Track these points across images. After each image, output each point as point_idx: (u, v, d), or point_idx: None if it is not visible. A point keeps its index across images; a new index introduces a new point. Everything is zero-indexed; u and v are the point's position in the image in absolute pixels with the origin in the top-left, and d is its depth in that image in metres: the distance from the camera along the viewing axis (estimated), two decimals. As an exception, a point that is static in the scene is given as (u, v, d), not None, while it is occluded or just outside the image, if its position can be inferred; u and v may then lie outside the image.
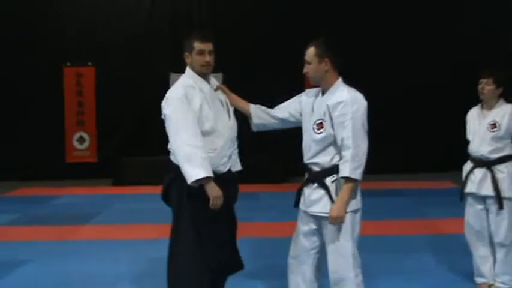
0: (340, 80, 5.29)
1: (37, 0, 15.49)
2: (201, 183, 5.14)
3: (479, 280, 6.83)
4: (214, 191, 5.21)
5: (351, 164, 5.02)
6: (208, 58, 5.45)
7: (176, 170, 5.28)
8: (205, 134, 5.29)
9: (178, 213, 5.42)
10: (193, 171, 5.12)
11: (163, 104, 5.36)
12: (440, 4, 15.43)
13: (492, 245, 6.75)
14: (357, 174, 5.04)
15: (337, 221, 5.10)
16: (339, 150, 5.14)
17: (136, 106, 15.43)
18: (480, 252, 6.80)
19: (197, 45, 5.44)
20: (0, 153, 15.34)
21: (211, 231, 5.40)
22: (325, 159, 5.20)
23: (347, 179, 5.04)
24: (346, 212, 5.09)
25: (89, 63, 15.59)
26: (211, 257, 5.40)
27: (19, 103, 15.24)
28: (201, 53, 5.43)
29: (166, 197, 5.55)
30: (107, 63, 15.47)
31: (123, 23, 15.54)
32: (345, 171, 5.03)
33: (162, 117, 5.41)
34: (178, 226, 5.41)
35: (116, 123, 15.62)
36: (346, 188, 5.07)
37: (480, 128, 6.73)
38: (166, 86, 5.62)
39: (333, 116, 5.11)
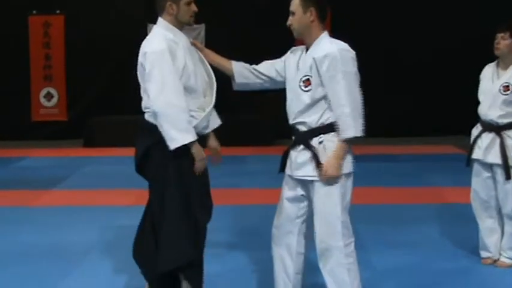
0: (325, 33, 5.26)
1: None
2: (186, 146, 5.16)
3: (484, 254, 6.84)
4: (199, 154, 5.25)
5: (353, 122, 5.03)
6: (196, 8, 5.42)
7: (156, 132, 5.23)
8: (189, 92, 5.27)
9: (161, 179, 5.35)
10: (180, 135, 5.13)
11: (142, 59, 5.28)
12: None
13: (500, 217, 6.76)
14: (361, 132, 5.05)
15: (330, 180, 5.10)
16: (327, 107, 5.12)
17: (110, 59, 15.31)
18: (486, 224, 6.80)
19: None
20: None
21: (199, 188, 5.42)
22: (312, 118, 5.17)
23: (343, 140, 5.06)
24: (339, 170, 5.07)
25: (58, 11, 15.46)
26: (202, 214, 5.45)
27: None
28: (190, 2, 5.38)
29: (142, 165, 5.48)
30: (78, 12, 15.35)
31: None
32: (348, 131, 5.02)
33: (138, 73, 5.36)
34: (164, 193, 5.35)
35: (88, 78, 15.52)
36: (343, 145, 5.07)
37: (492, 88, 6.67)
38: (143, 38, 5.54)
39: (320, 71, 5.08)
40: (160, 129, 5.19)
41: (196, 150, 5.24)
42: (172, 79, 5.18)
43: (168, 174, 5.34)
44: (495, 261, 6.77)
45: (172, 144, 5.13)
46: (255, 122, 14.52)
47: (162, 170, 5.35)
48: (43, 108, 15.67)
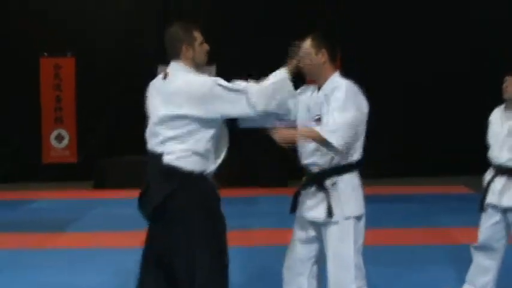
0: (337, 72, 5.35)
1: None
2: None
3: (468, 286, 6.89)
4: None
5: (330, 126, 5.06)
6: (207, 46, 5.46)
7: (184, 177, 5.14)
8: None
9: (187, 227, 5.19)
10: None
11: (176, 91, 5.23)
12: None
13: (499, 261, 6.76)
14: (332, 137, 5.03)
15: (282, 138, 5.20)
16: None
17: (120, 101, 15.36)
18: (484, 263, 6.81)
19: (198, 35, 5.40)
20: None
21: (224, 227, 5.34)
22: (324, 158, 5.21)
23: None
24: (296, 137, 5.19)
25: (69, 54, 15.54)
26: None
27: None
28: (203, 42, 5.42)
29: (160, 211, 5.24)
30: (88, 54, 15.45)
31: (106, 9, 15.50)
32: (332, 135, 5.05)
33: (164, 113, 5.26)
34: (203, 239, 5.17)
35: (98, 120, 15.60)
36: (315, 132, 5.10)
37: (501, 132, 6.69)
38: (152, 79, 5.55)
39: (330, 103, 5.14)
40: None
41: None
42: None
43: (196, 222, 5.18)
44: None
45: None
46: (268, 162, 14.48)
47: (193, 214, 5.20)
48: (54, 150, 15.69)
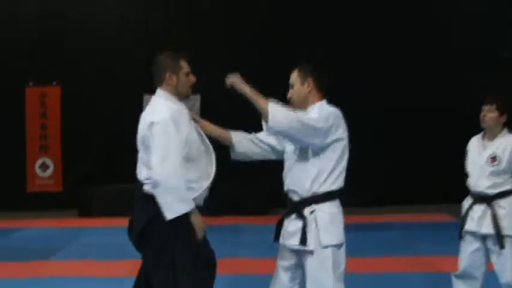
0: (324, 101, 5.40)
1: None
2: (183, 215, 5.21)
3: None
4: (199, 222, 5.31)
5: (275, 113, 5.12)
6: (194, 78, 5.56)
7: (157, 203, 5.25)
8: (190, 161, 5.33)
9: (167, 249, 5.31)
10: (178, 205, 5.20)
11: (145, 130, 5.33)
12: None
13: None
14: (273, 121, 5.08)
15: (229, 82, 5.37)
16: (324, 177, 5.23)
17: (106, 130, 15.39)
18: None
19: (185, 65, 5.51)
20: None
21: (207, 253, 5.46)
22: (304, 186, 5.26)
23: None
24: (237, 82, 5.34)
25: (54, 83, 15.57)
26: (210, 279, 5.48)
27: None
28: (189, 73, 5.52)
29: (142, 238, 5.41)
30: (74, 83, 15.46)
31: (92, 38, 15.54)
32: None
33: (140, 144, 5.43)
34: (178, 263, 5.30)
35: (83, 148, 15.60)
36: (262, 101, 5.20)
37: (479, 160, 6.77)
38: (138, 108, 5.64)
39: None
40: (158, 198, 5.20)
41: (195, 219, 5.27)
42: (175, 150, 5.22)
43: (175, 244, 5.30)
44: None
45: (169, 214, 5.16)
46: (252, 191, 14.52)
47: (168, 240, 5.30)
48: (38, 179, 15.68)
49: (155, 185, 5.22)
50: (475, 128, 7.04)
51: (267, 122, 5.13)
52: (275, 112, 5.08)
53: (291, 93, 5.42)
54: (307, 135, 5.15)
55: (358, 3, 15.56)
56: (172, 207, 5.18)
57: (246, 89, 5.28)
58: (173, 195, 5.18)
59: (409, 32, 15.52)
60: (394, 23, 15.47)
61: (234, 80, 5.34)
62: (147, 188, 5.37)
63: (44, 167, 15.67)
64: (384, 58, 15.31)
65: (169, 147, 5.21)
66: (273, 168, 6.00)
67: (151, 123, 5.28)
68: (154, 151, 5.23)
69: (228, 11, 15.70)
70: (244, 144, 5.70)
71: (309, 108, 5.35)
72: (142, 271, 5.61)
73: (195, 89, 5.72)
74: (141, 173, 5.45)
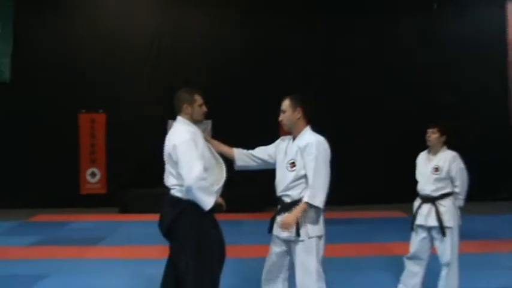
0: (308, 127, 5.39)
1: (57, 59, 15.41)
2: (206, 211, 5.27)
3: (401, 287, 7.01)
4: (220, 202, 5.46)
5: (310, 192, 5.13)
6: (206, 109, 5.56)
7: (181, 204, 5.31)
8: (206, 170, 5.32)
9: (190, 233, 5.35)
10: (210, 198, 5.26)
11: (171, 149, 5.34)
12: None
13: (425, 267, 6.90)
14: (315, 201, 5.11)
15: (285, 227, 5.18)
16: (307, 184, 5.19)
17: (139, 146, 15.33)
18: (413, 269, 6.92)
19: (198, 98, 5.53)
20: (27, 185, 15.21)
21: (217, 242, 5.49)
22: (295, 192, 5.27)
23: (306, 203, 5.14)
24: (294, 223, 5.17)
25: (101, 110, 15.55)
26: (217, 266, 5.49)
27: (44, 143, 15.14)
28: (202, 104, 5.52)
29: (170, 230, 5.46)
30: (116, 110, 15.46)
31: (129, 77, 15.53)
32: (305, 197, 5.13)
33: (167, 159, 5.41)
34: (194, 249, 5.34)
35: (123, 160, 15.56)
36: (302, 206, 5.15)
37: (426, 170, 6.86)
38: (164, 130, 5.63)
39: (304, 156, 5.19)
40: (195, 198, 5.24)
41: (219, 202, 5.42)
42: (197, 160, 5.24)
43: (193, 235, 5.34)
44: None
45: (207, 206, 5.24)
46: (249, 193, 14.44)
47: (189, 232, 5.34)
48: (88, 184, 15.64)
49: (188, 190, 5.24)
50: (418, 147, 7.16)
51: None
52: (314, 199, 5.18)
53: (282, 117, 5.42)
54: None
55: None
56: (205, 201, 5.24)
57: (298, 214, 5.22)
58: (204, 192, 5.22)
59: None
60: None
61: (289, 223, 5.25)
62: (173, 192, 5.40)
63: (93, 175, 15.63)
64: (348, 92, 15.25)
65: (192, 160, 5.22)
66: (264, 176, 6.03)
67: (175, 145, 5.31)
68: (182, 166, 5.25)
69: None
70: (244, 159, 5.72)
71: (300, 134, 5.36)
72: (172, 255, 5.61)
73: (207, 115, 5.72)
74: (168, 180, 5.47)
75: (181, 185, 5.31)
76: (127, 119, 15.40)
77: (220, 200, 5.64)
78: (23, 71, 15.22)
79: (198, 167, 5.20)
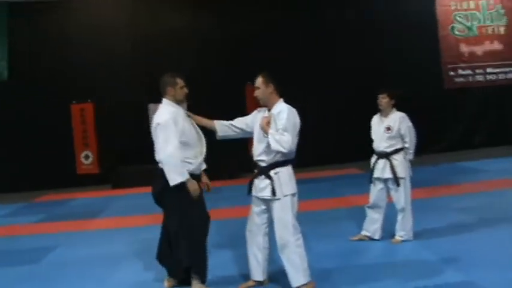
0: (281, 100, 5.39)
1: (51, 57, 15.18)
2: (181, 183, 5.25)
3: (364, 232, 7.11)
4: (192, 187, 5.34)
5: (275, 136, 5.15)
6: (187, 90, 5.56)
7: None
8: (187, 144, 5.35)
9: (174, 204, 5.40)
10: (175, 176, 5.24)
11: (154, 127, 5.36)
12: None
13: (384, 214, 7.00)
14: (277, 146, 5.13)
15: (263, 128, 5.24)
16: None
17: (125, 130, 15.18)
18: (373, 216, 7.03)
19: (180, 81, 5.54)
20: (30, 169, 15.08)
21: (198, 208, 5.49)
22: (269, 157, 5.27)
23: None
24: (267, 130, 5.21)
25: (89, 100, 15.35)
26: (201, 226, 5.54)
27: (42, 132, 14.92)
28: (183, 86, 5.49)
29: (159, 198, 5.52)
30: (102, 100, 15.27)
31: (112, 69, 15.29)
32: (278, 145, 5.15)
33: (153, 136, 5.41)
34: (176, 210, 5.40)
35: (111, 142, 15.42)
36: (272, 134, 5.17)
37: (379, 130, 6.95)
38: (145, 114, 5.61)
39: (276, 121, 5.20)
40: (165, 173, 5.26)
41: (190, 185, 5.32)
42: (173, 139, 5.25)
43: (177, 202, 5.39)
44: (369, 238, 7.03)
45: (172, 181, 5.25)
46: (227, 162, 14.34)
47: (174, 200, 5.39)
48: (83, 165, 15.49)
49: (161, 163, 5.32)
50: (372, 111, 7.19)
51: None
52: (277, 144, 5.15)
53: (256, 93, 5.42)
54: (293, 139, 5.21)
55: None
56: (171, 178, 5.26)
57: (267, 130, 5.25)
58: (172, 170, 5.23)
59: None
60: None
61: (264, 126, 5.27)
62: (160, 165, 5.42)
63: (87, 157, 15.48)
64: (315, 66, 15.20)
65: (167, 138, 5.25)
66: (240, 145, 6.02)
67: (157, 124, 5.35)
68: (158, 142, 5.32)
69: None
70: (224, 129, 5.71)
71: (274, 106, 5.34)
72: (164, 220, 5.66)
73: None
74: (156, 155, 5.44)
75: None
76: (112, 106, 15.24)
77: (206, 180, 5.66)
78: (20, 70, 15.19)
79: (172, 144, 5.23)
